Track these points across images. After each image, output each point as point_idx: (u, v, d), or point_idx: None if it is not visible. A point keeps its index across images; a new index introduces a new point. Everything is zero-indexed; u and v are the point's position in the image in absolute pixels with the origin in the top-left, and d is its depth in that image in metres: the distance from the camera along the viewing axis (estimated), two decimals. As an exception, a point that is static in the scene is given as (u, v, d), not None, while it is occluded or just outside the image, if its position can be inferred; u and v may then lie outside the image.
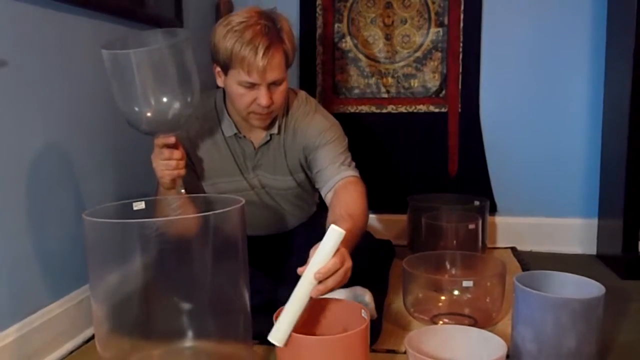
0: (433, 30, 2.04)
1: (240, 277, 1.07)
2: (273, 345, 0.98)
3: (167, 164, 1.20)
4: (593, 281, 1.16)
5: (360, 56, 2.09)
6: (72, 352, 1.27)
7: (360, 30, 2.07)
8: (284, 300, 1.29)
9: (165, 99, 1.13)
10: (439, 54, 2.05)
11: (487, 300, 1.35)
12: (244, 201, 1.08)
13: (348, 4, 2.06)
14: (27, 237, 1.19)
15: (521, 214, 2.09)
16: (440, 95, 2.07)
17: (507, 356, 1.05)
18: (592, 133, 1.99)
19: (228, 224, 1.04)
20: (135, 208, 1.12)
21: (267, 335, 0.99)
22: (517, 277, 1.17)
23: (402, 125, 2.09)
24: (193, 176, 1.43)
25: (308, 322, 1.10)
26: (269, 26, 1.27)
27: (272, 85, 1.29)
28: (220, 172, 1.46)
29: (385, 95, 2.11)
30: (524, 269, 1.79)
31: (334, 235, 0.99)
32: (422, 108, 2.09)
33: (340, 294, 1.33)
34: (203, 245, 1.03)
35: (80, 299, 1.33)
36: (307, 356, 0.97)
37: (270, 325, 1.01)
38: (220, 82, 1.37)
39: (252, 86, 1.28)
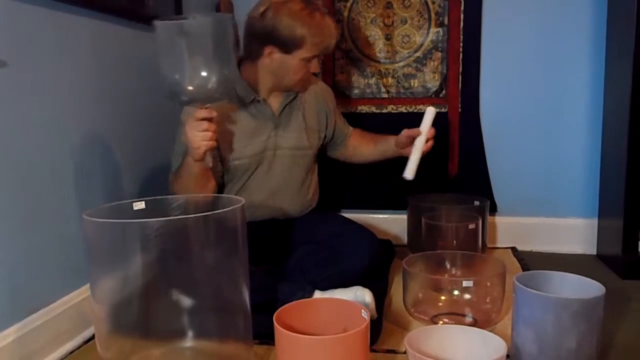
0: (433, 30, 2.04)
1: (240, 277, 1.07)
2: (272, 344, 0.98)
3: (204, 134, 1.26)
4: (593, 281, 1.16)
5: (360, 56, 2.09)
6: (72, 352, 1.27)
7: (361, 31, 2.07)
8: (283, 299, 1.30)
9: (206, 72, 1.22)
10: (439, 54, 2.05)
11: (487, 300, 1.35)
12: (243, 201, 1.08)
13: (348, 4, 2.06)
14: (27, 237, 1.19)
15: (521, 214, 2.09)
16: (441, 95, 2.07)
17: (507, 356, 1.05)
18: (592, 133, 1.99)
19: (228, 223, 1.04)
20: (135, 208, 1.13)
21: (267, 335, 0.99)
22: (517, 277, 1.17)
23: (402, 125, 2.07)
24: (216, 153, 1.51)
25: (308, 322, 1.10)
26: (322, 11, 1.51)
27: None
28: (240, 137, 1.55)
29: (385, 95, 2.11)
30: (524, 269, 1.79)
31: (430, 112, 1.55)
32: (422, 108, 2.08)
33: (341, 294, 1.33)
34: (203, 245, 1.03)
35: (80, 299, 1.33)
36: (307, 356, 0.97)
37: (270, 325, 1.01)
38: (266, 61, 1.52)
39: (310, 60, 1.50)
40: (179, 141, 1.47)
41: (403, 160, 1.56)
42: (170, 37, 1.21)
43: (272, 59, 1.51)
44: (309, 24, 1.44)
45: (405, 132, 1.58)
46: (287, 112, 1.62)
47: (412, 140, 1.56)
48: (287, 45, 1.47)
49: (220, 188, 1.59)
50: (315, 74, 1.65)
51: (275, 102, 1.60)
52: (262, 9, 1.47)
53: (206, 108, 1.26)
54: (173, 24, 1.20)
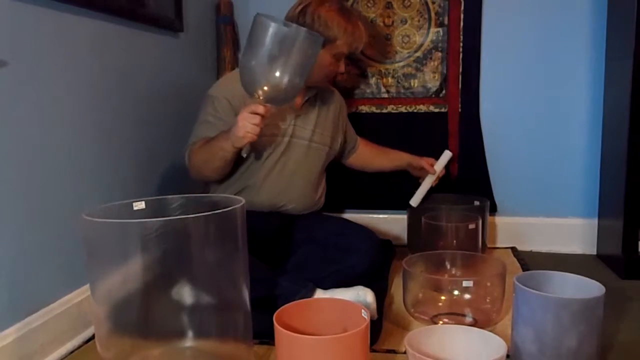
0: (433, 30, 2.04)
1: (240, 277, 1.07)
2: (272, 344, 0.99)
3: (253, 128, 1.35)
4: (593, 281, 1.17)
5: (361, 56, 2.09)
6: (72, 352, 1.27)
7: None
8: (285, 296, 1.31)
9: (281, 75, 1.32)
10: (439, 54, 2.05)
11: (487, 300, 1.35)
12: (243, 201, 1.08)
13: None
14: (26, 237, 1.19)
15: (521, 214, 2.09)
16: (440, 95, 2.07)
17: (507, 356, 1.05)
18: (592, 133, 1.99)
19: (228, 223, 1.04)
20: (135, 208, 1.13)
21: (267, 335, 0.99)
22: (517, 277, 1.18)
23: (402, 125, 2.08)
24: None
25: (308, 322, 1.10)
26: (356, 15, 1.63)
27: None
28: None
29: (385, 95, 2.11)
30: (524, 269, 1.79)
31: (447, 156, 1.88)
32: (422, 108, 2.09)
33: (342, 294, 1.33)
34: (203, 245, 1.03)
35: (80, 299, 1.33)
36: (307, 356, 0.97)
37: (270, 325, 1.01)
38: None
39: (339, 58, 1.60)
40: (205, 113, 1.56)
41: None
42: (264, 35, 1.30)
43: None
44: (344, 24, 1.55)
45: (423, 164, 1.87)
46: (307, 107, 1.69)
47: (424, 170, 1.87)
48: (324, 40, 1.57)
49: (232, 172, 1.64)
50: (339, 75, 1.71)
51: (299, 95, 1.65)
52: (301, 6, 1.57)
53: (265, 106, 1.35)
54: (272, 24, 1.29)
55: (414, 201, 1.88)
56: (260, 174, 1.62)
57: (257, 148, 1.60)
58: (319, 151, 1.71)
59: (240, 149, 1.41)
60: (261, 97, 1.34)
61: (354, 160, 1.96)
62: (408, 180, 2.05)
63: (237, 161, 1.60)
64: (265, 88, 1.33)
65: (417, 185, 1.91)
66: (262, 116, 1.35)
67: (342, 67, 1.64)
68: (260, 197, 1.62)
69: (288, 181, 1.64)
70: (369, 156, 1.96)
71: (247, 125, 1.34)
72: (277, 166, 1.63)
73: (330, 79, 1.69)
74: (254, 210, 1.59)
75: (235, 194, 1.61)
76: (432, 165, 1.88)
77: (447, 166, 2.05)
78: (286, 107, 1.63)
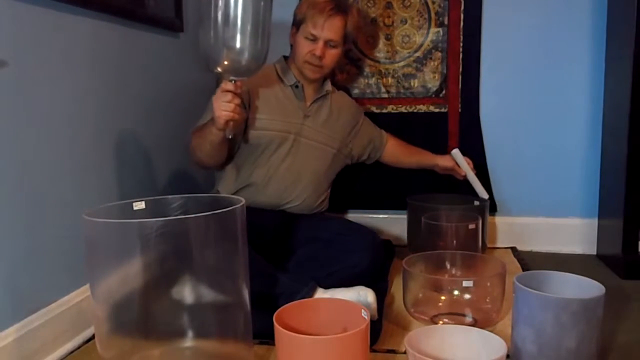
0: (433, 30, 2.04)
1: (240, 277, 1.07)
2: (272, 344, 0.99)
3: (227, 105, 1.34)
4: (593, 281, 1.16)
5: (360, 56, 2.09)
6: (72, 352, 1.27)
7: (361, 30, 2.07)
8: (286, 294, 1.30)
9: (241, 45, 1.27)
10: (439, 54, 2.05)
11: (487, 300, 1.35)
12: (244, 201, 1.08)
13: (348, 4, 2.06)
14: (26, 237, 1.19)
15: (521, 214, 2.09)
16: (441, 95, 2.07)
17: (507, 356, 1.05)
18: (592, 133, 1.99)
19: (228, 223, 1.04)
20: (135, 208, 1.12)
21: (267, 335, 0.99)
22: (517, 277, 1.17)
23: (402, 125, 2.08)
24: (242, 126, 1.60)
25: (308, 322, 1.10)
26: (337, 1, 1.64)
27: (328, 43, 1.61)
28: (271, 110, 1.64)
29: (385, 95, 2.11)
30: (524, 269, 1.79)
31: (458, 153, 1.91)
32: (422, 108, 2.09)
33: (343, 294, 1.33)
34: (203, 245, 1.03)
35: (80, 299, 1.33)
36: (307, 356, 0.97)
37: (270, 325, 1.01)
38: (292, 40, 1.68)
39: (314, 40, 1.60)
40: (211, 105, 1.56)
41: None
42: (212, 8, 1.24)
43: (293, 39, 1.67)
44: (313, 5, 1.60)
45: (450, 169, 1.91)
46: (317, 106, 1.72)
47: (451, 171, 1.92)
48: (297, 22, 1.64)
49: (229, 159, 1.65)
50: (320, 62, 1.64)
51: (309, 94, 1.71)
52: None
53: (234, 82, 1.33)
54: None
55: (483, 194, 1.91)
56: (266, 171, 1.62)
57: (263, 143, 1.61)
58: (325, 153, 1.72)
59: (224, 131, 1.40)
60: (223, 72, 1.31)
61: (387, 157, 1.98)
62: (408, 180, 2.05)
63: (245, 156, 1.62)
64: (226, 62, 1.28)
65: (450, 182, 1.98)
66: (233, 92, 1.33)
67: (318, 51, 1.60)
68: (264, 195, 1.62)
69: (293, 179, 1.65)
70: (399, 154, 1.98)
71: (221, 105, 1.33)
72: (283, 164, 1.63)
73: (314, 67, 1.64)
74: (257, 208, 1.59)
75: (240, 189, 1.62)
76: (456, 167, 1.91)
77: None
78: (295, 105, 1.65)
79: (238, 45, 1.26)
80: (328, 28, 1.60)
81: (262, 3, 1.28)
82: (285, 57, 1.74)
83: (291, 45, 1.69)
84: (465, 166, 1.90)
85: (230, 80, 1.33)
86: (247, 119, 1.60)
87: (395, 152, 1.97)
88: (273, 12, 1.33)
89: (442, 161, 1.92)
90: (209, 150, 1.50)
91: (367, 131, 1.90)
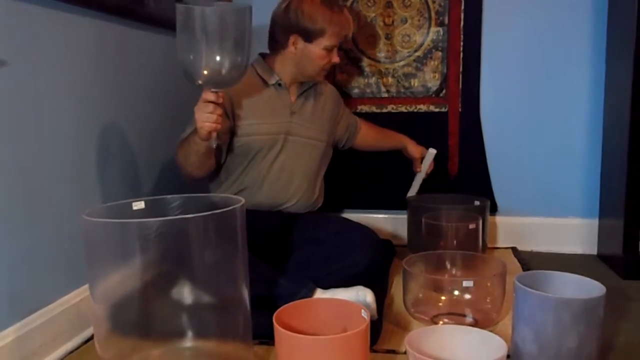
0: (433, 29, 2.04)
1: (240, 277, 1.07)
2: (272, 344, 0.99)
3: (209, 116, 1.32)
4: (593, 281, 1.16)
5: (361, 56, 2.09)
6: (72, 352, 1.27)
7: (361, 30, 2.07)
8: (286, 295, 1.31)
9: (220, 58, 1.26)
10: (439, 54, 2.05)
11: (488, 300, 1.35)
12: (243, 201, 1.08)
13: (348, 4, 2.06)
14: (26, 237, 1.18)
15: (521, 214, 2.09)
16: (441, 95, 2.07)
17: (508, 356, 1.05)
18: (593, 133, 1.99)
19: (228, 223, 1.04)
20: (134, 208, 1.12)
21: (267, 335, 0.99)
22: (517, 277, 1.17)
23: (402, 125, 2.08)
24: (227, 135, 1.59)
25: (308, 322, 1.10)
26: (339, 4, 1.67)
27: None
28: (258, 113, 1.62)
29: (386, 95, 2.10)
30: (524, 269, 1.79)
31: (430, 154, 1.97)
32: (422, 108, 2.09)
33: (342, 294, 1.33)
34: (203, 245, 1.03)
35: (80, 299, 1.33)
36: (307, 356, 0.97)
37: (270, 325, 1.01)
38: (292, 49, 1.62)
39: (331, 49, 1.61)
40: (193, 117, 1.55)
41: (403, 160, 1.60)
42: (190, 21, 1.24)
43: (296, 47, 1.61)
44: (329, 15, 1.57)
45: (413, 160, 1.98)
46: (302, 101, 1.70)
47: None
48: (309, 34, 1.58)
49: (218, 168, 1.65)
50: (335, 66, 1.72)
51: (292, 90, 1.70)
52: (284, 4, 1.59)
53: (216, 92, 1.32)
54: (194, 8, 1.23)
55: (409, 194, 2.00)
56: (258, 174, 1.62)
57: (255, 148, 1.61)
58: (315, 147, 1.72)
59: (208, 141, 1.39)
60: (204, 84, 1.30)
61: (360, 142, 1.98)
62: (408, 180, 2.05)
63: (236, 162, 1.61)
64: (205, 72, 1.27)
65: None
66: (215, 103, 1.32)
67: (335, 58, 1.64)
68: (259, 197, 1.62)
69: (286, 179, 1.65)
70: (372, 138, 1.99)
71: (202, 116, 1.32)
72: (274, 165, 1.63)
73: (326, 72, 1.69)
74: (254, 210, 1.59)
75: (234, 195, 1.61)
76: (421, 160, 1.97)
77: (445, 162, 2.06)
78: (280, 104, 1.64)
79: (218, 59, 1.26)
80: (349, 30, 1.64)
81: (241, 16, 1.27)
82: (263, 55, 1.71)
83: (279, 48, 1.64)
84: (425, 168, 1.97)
85: (212, 91, 1.32)
86: (233, 126, 1.58)
87: (367, 137, 1.98)
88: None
89: (412, 149, 1.96)
90: (195, 161, 1.49)
91: (346, 118, 1.92)
